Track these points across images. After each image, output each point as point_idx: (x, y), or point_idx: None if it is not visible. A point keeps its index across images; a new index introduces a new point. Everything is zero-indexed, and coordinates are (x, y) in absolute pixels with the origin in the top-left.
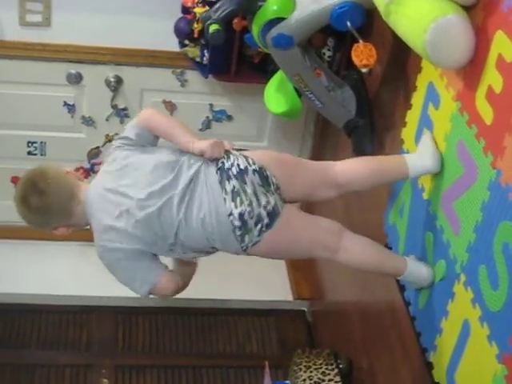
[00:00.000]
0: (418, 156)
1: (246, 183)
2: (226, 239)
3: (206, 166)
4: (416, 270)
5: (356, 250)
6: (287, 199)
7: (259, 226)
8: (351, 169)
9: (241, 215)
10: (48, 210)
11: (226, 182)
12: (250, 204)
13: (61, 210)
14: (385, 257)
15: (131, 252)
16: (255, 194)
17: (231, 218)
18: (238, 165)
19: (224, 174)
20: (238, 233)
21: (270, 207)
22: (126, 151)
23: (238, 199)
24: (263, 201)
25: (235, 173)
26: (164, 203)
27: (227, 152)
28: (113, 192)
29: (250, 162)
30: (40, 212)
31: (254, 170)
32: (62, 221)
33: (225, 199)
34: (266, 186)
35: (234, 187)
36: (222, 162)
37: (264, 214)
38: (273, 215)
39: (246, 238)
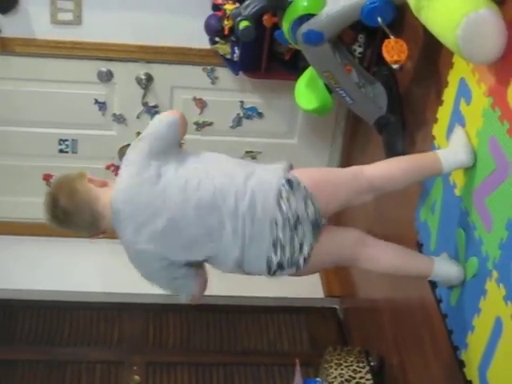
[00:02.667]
0: (450, 150)
1: (297, 233)
2: (256, 269)
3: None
4: (444, 270)
5: (380, 256)
6: (324, 216)
7: (294, 268)
8: (384, 171)
9: (279, 263)
10: (77, 227)
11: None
12: (292, 254)
13: (88, 226)
14: (410, 260)
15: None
16: (301, 243)
17: (270, 263)
18: (297, 214)
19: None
20: (272, 271)
21: (308, 254)
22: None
23: (279, 249)
24: (306, 250)
25: (291, 221)
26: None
27: (293, 186)
28: None
29: (309, 208)
30: (71, 227)
31: (310, 220)
32: (93, 232)
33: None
34: (316, 234)
35: (280, 239)
36: (280, 205)
37: (302, 261)
38: (307, 260)
39: (277, 273)
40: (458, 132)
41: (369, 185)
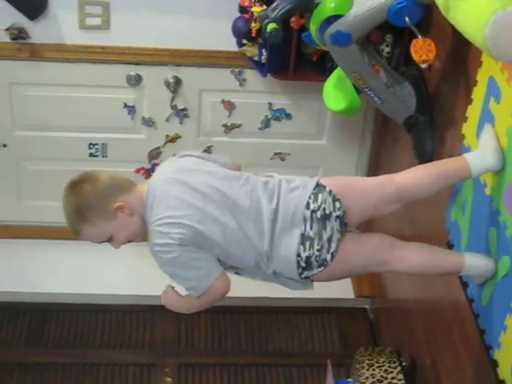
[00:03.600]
0: (478, 154)
1: (325, 229)
2: (285, 269)
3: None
4: (475, 264)
5: (409, 257)
6: (350, 225)
7: (322, 267)
8: (413, 180)
9: (308, 258)
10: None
11: (307, 224)
12: (320, 249)
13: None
14: (440, 258)
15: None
16: (329, 240)
17: (298, 258)
18: (324, 209)
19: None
20: (300, 270)
21: (336, 252)
22: None
23: (308, 243)
24: (333, 247)
25: (319, 216)
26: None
27: (319, 188)
28: None
29: (337, 205)
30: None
31: (337, 217)
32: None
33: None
34: (342, 232)
35: (308, 233)
36: (308, 202)
37: (329, 258)
38: (335, 255)
39: (305, 273)
40: (488, 133)
41: (397, 194)
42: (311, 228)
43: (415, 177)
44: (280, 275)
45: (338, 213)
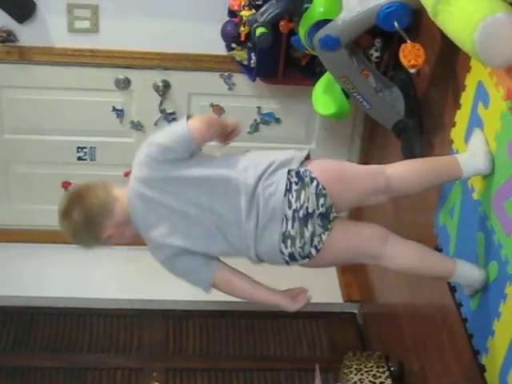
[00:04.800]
0: (469, 156)
1: (306, 227)
2: (273, 259)
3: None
4: (466, 271)
5: (402, 255)
6: (337, 212)
7: (307, 259)
8: (403, 174)
9: (291, 254)
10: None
11: (288, 223)
12: (303, 246)
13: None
14: (433, 260)
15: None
16: (312, 236)
17: (281, 254)
18: (307, 208)
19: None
20: (285, 261)
21: (320, 245)
22: None
23: (289, 242)
24: (316, 241)
25: (301, 216)
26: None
27: (302, 182)
28: None
29: (321, 202)
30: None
31: (320, 214)
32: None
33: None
34: (326, 226)
35: (289, 232)
36: (290, 201)
37: (314, 251)
38: (320, 249)
39: (292, 263)
40: (478, 137)
41: (386, 186)
42: (292, 227)
43: (406, 171)
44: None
45: (321, 210)
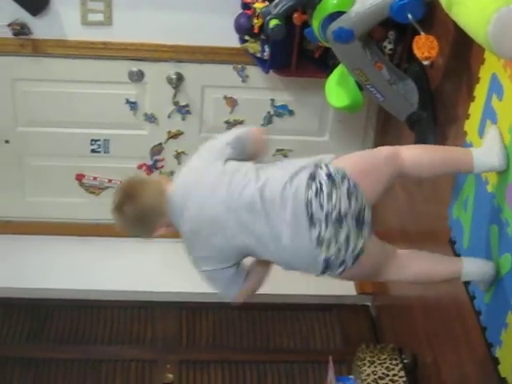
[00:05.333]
0: (484, 152)
1: (341, 228)
2: (306, 266)
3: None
4: (474, 268)
5: (409, 263)
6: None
7: (342, 267)
8: (417, 158)
9: (326, 260)
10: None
11: (317, 226)
12: (339, 251)
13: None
14: (439, 262)
15: None
16: (347, 239)
17: (316, 260)
18: (340, 210)
19: (318, 216)
20: (320, 270)
21: (356, 251)
22: None
23: (324, 245)
24: (352, 246)
25: (334, 218)
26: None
27: (331, 180)
28: None
29: (353, 203)
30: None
31: (353, 215)
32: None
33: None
34: (360, 230)
35: (323, 235)
36: (321, 203)
37: (350, 258)
38: (357, 257)
39: (327, 272)
40: (494, 133)
41: (401, 169)
42: (326, 229)
43: (420, 155)
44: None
45: (353, 211)
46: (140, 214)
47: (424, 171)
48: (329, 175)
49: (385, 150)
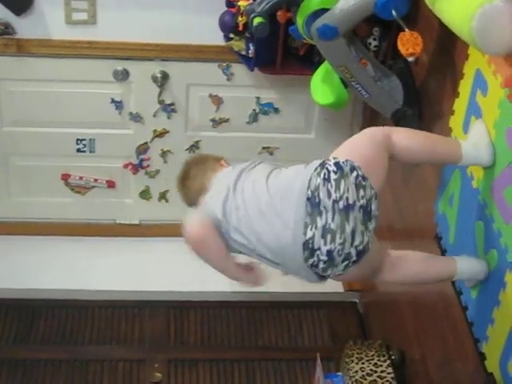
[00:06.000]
0: (472, 146)
1: (348, 221)
2: (298, 267)
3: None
4: (468, 267)
5: (402, 263)
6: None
7: (346, 262)
8: (408, 140)
9: (329, 252)
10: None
11: (320, 216)
12: (343, 243)
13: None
14: (433, 263)
15: None
16: (353, 233)
17: (318, 252)
18: (347, 198)
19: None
20: (322, 266)
21: (361, 247)
22: None
23: (329, 237)
24: (357, 241)
25: (341, 207)
26: None
27: (340, 169)
28: None
29: (361, 194)
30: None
31: (361, 206)
32: None
33: (306, 228)
34: (367, 223)
35: (329, 225)
36: (329, 191)
37: (354, 253)
38: (362, 253)
39: (329, 271)
40: (480, 127)
41: (392, 151)
42: (333, 220)
43: (412, 141)
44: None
45: (361, 202)
46: (189, 195)
47: (414, 156)
48: (337, 164)
49: (380, 135)
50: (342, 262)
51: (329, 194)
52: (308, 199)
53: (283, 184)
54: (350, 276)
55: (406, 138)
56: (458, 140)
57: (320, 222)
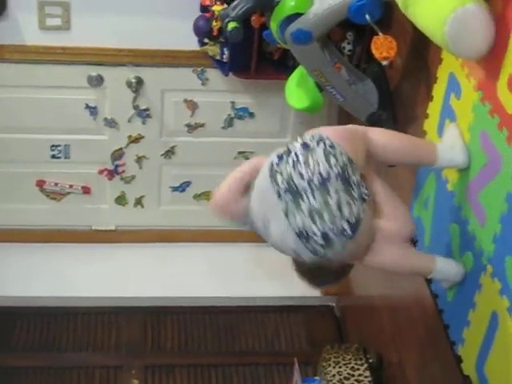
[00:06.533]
0: (448, 148)
1: (329, 194)
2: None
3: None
4: (445, 267)
5: (382, 252)
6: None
7: (343, 239)
8: (384, 139)
9: (324, 234)
10: None
11: (303, 199)
12: (333, 219)
13: None
14: (412, 257)
15: None
16: (338, 204)
17: (314, 237)
18: (320, 172)
19: (302, 186)
20: (322, 250)
21: (353, 219)
22: None
23: (317, 217)
24: (346, 212)
25: (317, 183)
26: None
27: (306, 147)
28: None
29: (332, 160)
30: None
31: (337, 175)
32: None
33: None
34: (350, 191)
35: (313, 205)
36: (300, 172)
37: (347, 227)
38: (355, 226)
39: (329, 253)
40: (454, 131)
41: (368, 147)
42: (314, 198)
43: (388, 140)
44: None
45: (335, 170)
46: None
47: (389, 155)
48: (304, 144)
49: (359, 129)
50: (339, 239)
51: (301, 176)
52: (286, 190)
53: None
54: (351, 255)
55: (382, 137)
56: (435, 143)
57: (304, 205)
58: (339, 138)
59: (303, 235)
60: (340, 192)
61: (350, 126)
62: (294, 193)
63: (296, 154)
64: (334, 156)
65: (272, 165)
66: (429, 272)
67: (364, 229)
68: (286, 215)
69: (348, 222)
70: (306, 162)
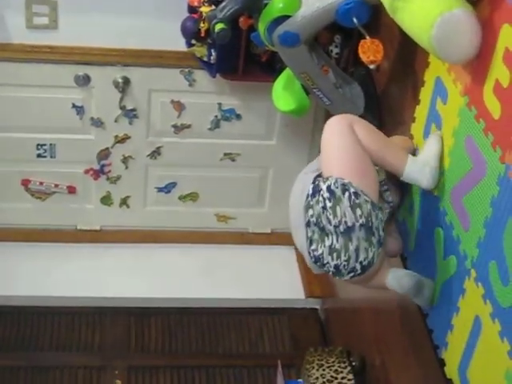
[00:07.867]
0: (418, 168)
1: (351, 241)
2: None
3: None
4: (396, 279)
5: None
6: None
7: (351, 274)
8: (363, 135)
9: (336, 266)
10: None
11: (328, 237)
12: (348, 260)
13: None
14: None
15: None
16: (357, 250)
17: (327, 265)
18: (346, 222)
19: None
20: (332, 274)
21: (366, 262)
22: None
23: (335, 255)
24: (362, 257)
25: (342, 231)
26: None
27: (332, 195)
28: None
29: (358, 213)
30: None
31: (361, 225)
32: None
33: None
34: (370, 238)
35: (335, 246)
36: (328, 218)
37: (359, 267)
38: (367, 267)
39: (337, 276)
40: (434, 148)
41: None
42: (337, 241)
43: (365, 138)
44: None
45: (360, 221)
46: None
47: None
48: (329, 189)
49: (345, 127)
50: (348, 273)
51: (329, 221)
52: (315, 224)
53: (291, 203)
54: (356, 282)
55: (361, 131)
56: (407, 158)
57: (327, 242)
58: (355, 173)
59: (319, 261)
60: (361, 240)
61: (340, 130)
62: (321, 230)
63: (323, 197)
64: (359, 206)
65: (308, 196)
66: (381, 286)
67: (374, 269)
68: (310, 242)
69: (361, 263)
70: (334, 211)
